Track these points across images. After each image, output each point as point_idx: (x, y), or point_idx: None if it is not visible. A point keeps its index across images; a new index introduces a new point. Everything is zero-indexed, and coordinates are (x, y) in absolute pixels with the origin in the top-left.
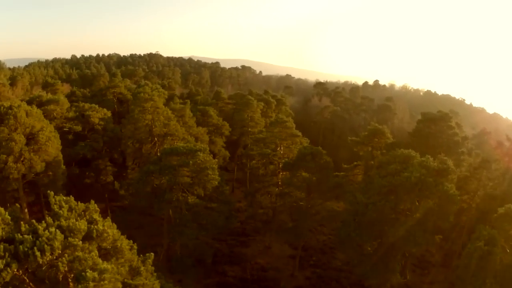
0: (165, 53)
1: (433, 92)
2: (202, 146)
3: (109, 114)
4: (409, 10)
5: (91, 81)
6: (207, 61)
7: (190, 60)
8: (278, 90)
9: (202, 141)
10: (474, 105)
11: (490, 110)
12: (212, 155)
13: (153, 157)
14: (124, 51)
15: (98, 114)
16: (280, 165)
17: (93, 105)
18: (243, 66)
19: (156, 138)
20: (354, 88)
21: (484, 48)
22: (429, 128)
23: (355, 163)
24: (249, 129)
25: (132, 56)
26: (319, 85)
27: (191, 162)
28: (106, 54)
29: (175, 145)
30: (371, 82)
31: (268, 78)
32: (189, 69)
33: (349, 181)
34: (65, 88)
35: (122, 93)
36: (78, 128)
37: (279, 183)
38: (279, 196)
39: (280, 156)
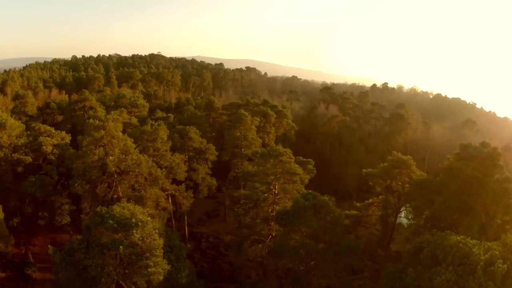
0: (170, 53)
1: (443, 95)
2: (142, 219)
3: (67, 138)
4: (417, 12)
5: (86, 85)
6: (212, 62)
7: (193, 61)
8: (283, 94)
9: (177, 173)
10: (485, 109)
11: (500, 114)
12: (193, 185)
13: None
14: (130, 51)
15: (53, 140)
16: (274, 211)
17: (48, 128)
18: (247, 68)
19: (115, 175)
20: (363, 93)
21: (492, 50)
22: (472, 169)
23: (371, 200)
24: (242, 150)
25: (133, 56)
26: (325, 89)
27: (121, 247)
28: (107, 55)
29: (110, 210)
30: (378, 84)
31: (273, 80)
32: (191, 70)
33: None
34: (54, 93)
35: (93, 107)
36: (28, 158)
37: (273, 234)
38: (271, 253)
39: (273, 200)
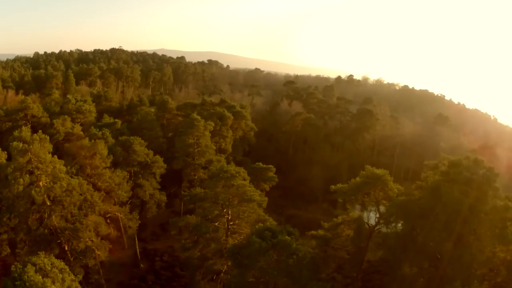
0: (133, 47)
1: (410, 87)
2: None
3: (3, 157)
4: (380, 4)
5: (44, 83)
6: (176, 54)
7: (154, 54)
8: (245, 87)
9: (118, 195)
10: (454, 101)
11: (469, 105)
12: (140, 202)
13: None
14: (93, 46)
15: None
16: (228, 242)
17: None
18: (209, 60)
19: (48, 203)
20: (328, 87)
21: (457, 41)
22: (465, 195)
23: (340, 218)
24: (195, 159)
25: (94, 52)
26: (289, 84)
27: None
28: (68, 51)
29: (23, 273)
30: (343, 75)
31: (236, 72)
32: (151, 65)
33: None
34: (10, 95)
35: (35, 116)
36: None
37: (228, 265)
38: None
39: (226, 229)
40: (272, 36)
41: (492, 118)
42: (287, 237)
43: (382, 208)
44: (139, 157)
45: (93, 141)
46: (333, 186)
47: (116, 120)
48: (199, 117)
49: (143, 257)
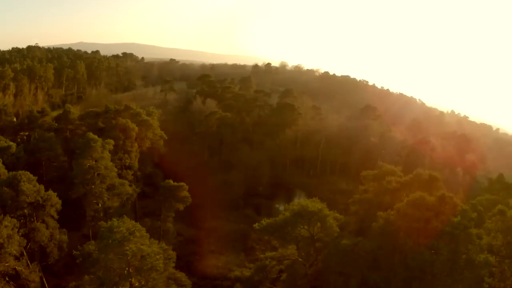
0: (52, 42)
1: (331, 73)
2: None
3: None
4: None
5: None
6: (94, 48)
7: (69, 50)
8: (159, 81)
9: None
10: (377, 87)
11: (393, 89)
12: (39, 248)
13: None
14: (14, 43)
15: None
16: None
17: None
18: (124, 54)
19: None
20: (245, 78)
21: (377, 24)
22: (436, 252)
23: (269, 257)
24: (97, 184)
25: (12, 50)
26: (203, 78)
27: None
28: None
29: None
30: (260, 62)
31: (151, 65)
32: (66, 61)
33: None
34: None
35: None
36: None
37: None
38: None
39: None
40: (188, 24)
41: (418, 101)
42: None
43: (319, 244)
44: (28, 198)
45: None
46: (256, 225)
47: (11, 143)
48: (95, 136)
49: None
